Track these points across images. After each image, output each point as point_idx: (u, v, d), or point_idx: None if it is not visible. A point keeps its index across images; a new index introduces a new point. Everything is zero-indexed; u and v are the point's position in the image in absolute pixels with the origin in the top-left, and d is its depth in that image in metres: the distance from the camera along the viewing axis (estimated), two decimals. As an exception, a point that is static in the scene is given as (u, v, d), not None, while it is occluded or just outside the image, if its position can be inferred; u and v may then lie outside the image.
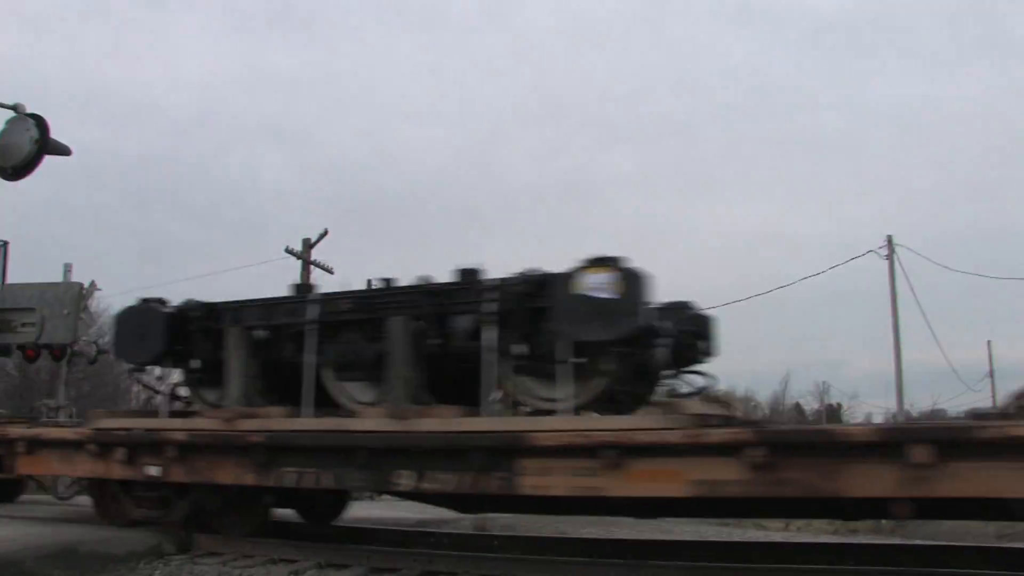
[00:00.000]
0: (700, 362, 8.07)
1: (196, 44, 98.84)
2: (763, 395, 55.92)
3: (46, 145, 6.03)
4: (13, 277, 7.52)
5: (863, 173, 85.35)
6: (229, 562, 7.82)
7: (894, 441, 5.89)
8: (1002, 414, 6.42)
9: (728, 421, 7.07)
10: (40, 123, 5.99)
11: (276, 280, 43.42)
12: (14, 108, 5.96)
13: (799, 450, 6.14)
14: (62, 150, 6.19)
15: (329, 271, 26.08)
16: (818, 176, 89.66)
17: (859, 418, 49.82)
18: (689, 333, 7.78)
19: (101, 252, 58.32)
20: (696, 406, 7.57)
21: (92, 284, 11.24)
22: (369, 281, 8.45)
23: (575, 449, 6.66)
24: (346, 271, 43.41)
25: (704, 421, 6.64)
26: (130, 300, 9.37)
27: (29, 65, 72.87)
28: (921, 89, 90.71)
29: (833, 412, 55.34)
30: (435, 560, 7.47)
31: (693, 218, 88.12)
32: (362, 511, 9.20)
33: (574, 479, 6.70)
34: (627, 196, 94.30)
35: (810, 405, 59.04)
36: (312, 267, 25.85)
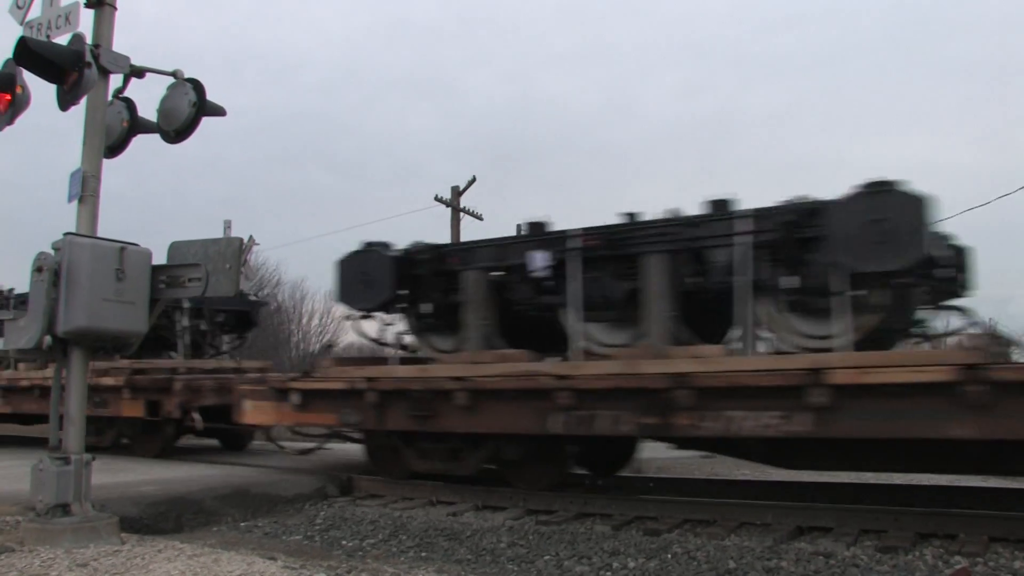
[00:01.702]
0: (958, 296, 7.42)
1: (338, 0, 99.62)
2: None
3: (203, 107, 6.19)
4: (175, 236, 7.88)
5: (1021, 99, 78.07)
6: (390, 504, 8.11)
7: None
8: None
9: None
10: (197, 87, 6.14)
11: (427, 229, 44.21)
12: (173, 74, 6.14)
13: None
14: (218, 111, 6.34)
15: (479, 217, 26.32)
16: (974, 104, 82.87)
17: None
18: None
19: (257, 208, 60.65)
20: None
21: (251, 239, 11.74)
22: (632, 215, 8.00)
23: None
24: (495, 218, 43.71)
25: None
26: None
27: (185, 33, 75.64)
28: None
29: (1003, 350, 51.93)
30: (590, 502, 7.52)
31: (842, 152, 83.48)
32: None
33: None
34: (774, 132, 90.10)
35: (976, 342, 55.38)
36: (462, 214, 26.04)
